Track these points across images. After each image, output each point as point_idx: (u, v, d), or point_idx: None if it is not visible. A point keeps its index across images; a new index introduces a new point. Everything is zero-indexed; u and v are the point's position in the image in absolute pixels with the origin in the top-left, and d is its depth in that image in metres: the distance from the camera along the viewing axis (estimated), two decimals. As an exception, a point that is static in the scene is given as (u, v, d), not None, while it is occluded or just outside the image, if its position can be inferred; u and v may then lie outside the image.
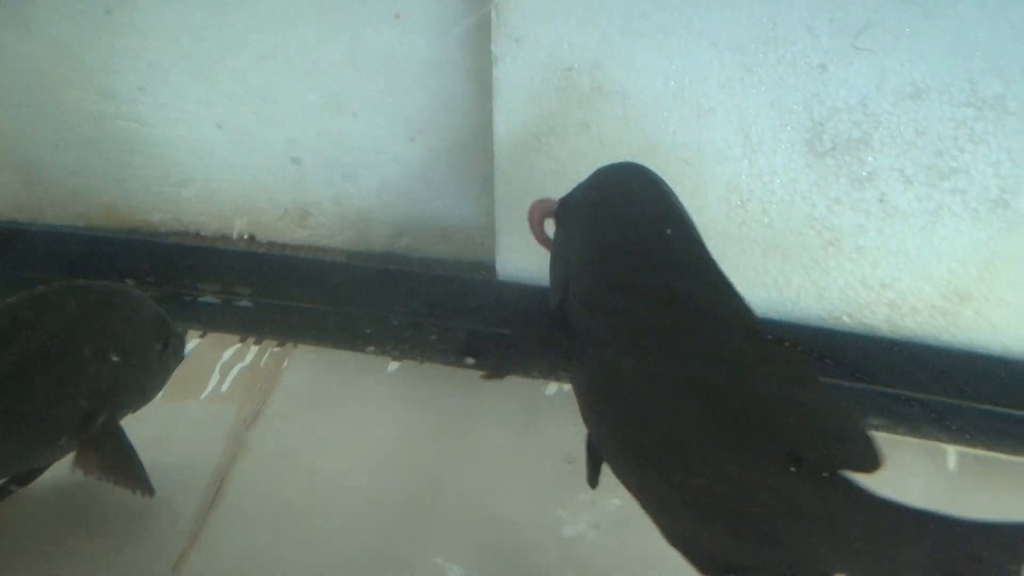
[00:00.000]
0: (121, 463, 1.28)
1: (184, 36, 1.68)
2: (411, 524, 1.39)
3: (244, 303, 1.66)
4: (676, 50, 1.48)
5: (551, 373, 1.61)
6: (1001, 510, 1.42)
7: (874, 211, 1.54)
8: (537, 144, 1.57)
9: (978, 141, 1.47)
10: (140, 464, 1.28)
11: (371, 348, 1.63)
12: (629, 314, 1.06)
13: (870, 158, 1.51)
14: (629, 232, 1.13)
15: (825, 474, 0.93)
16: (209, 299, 1.71)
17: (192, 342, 1.59)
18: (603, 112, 1.54)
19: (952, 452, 1.52)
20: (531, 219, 1.30)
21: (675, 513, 1.02)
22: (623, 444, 1.06)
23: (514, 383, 1.60)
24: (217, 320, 1.68)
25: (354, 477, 1.45)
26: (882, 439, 1.50)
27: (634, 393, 1.03)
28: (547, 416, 1.55)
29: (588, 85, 1.52)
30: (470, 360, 1.61)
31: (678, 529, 1.03)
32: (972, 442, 1.53)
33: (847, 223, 1.56)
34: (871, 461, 0.91)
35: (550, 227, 1.30)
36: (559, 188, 1.58)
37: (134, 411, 1.32)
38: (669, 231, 1.09)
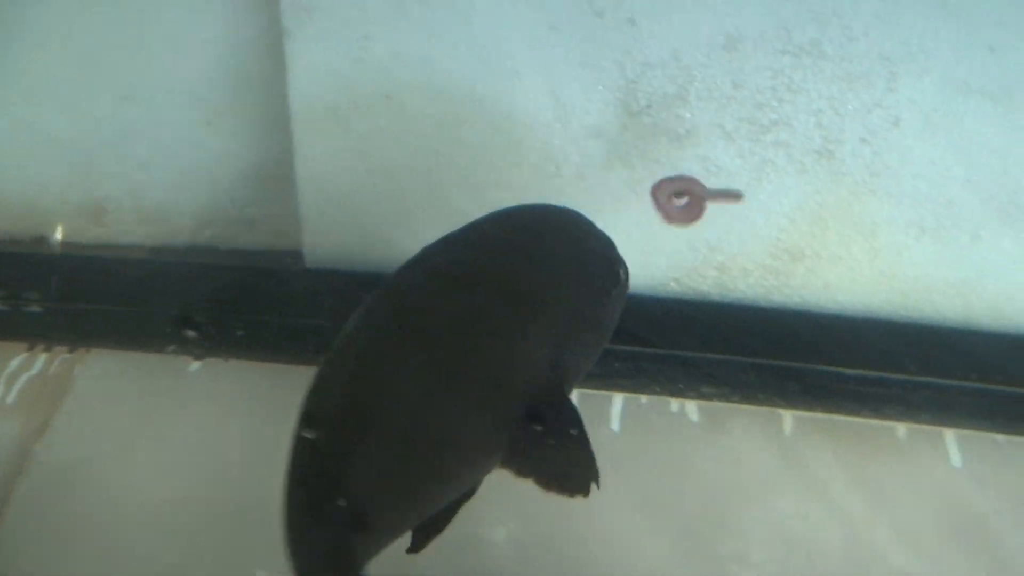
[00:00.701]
0: None
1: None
2: (224, 535, 1.30)
3: (33, 308, 1.54)
4: (476, 10, 1.40)
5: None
6: (838, 472, 1.39)
7: (696, 170, 1.48)
8: (336, 119, 1.47)
9: (797, 90, 1.42)
10: None
11: (172, 348, 1.52)
12: None
13: (688, 115, 1.45)
14: None
15: None
16: (-5, 307, 1.59)
17: (-26, 354, 1.50)
18: (404, 81, 1.45)
19: (788, 416, 1.47)
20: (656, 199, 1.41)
21: None
22: None
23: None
24: (3, 328, 1.55)
25: (156, 487, 1.35)
26: (717, 408, 1.48)
27: None
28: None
29: (386, 53, 1.44)
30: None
31: None
32: (808, 405, 1.47)
33: (669, 184, 1.50)
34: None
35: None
36: (363, 164, 1.50)
37: None
38: None
